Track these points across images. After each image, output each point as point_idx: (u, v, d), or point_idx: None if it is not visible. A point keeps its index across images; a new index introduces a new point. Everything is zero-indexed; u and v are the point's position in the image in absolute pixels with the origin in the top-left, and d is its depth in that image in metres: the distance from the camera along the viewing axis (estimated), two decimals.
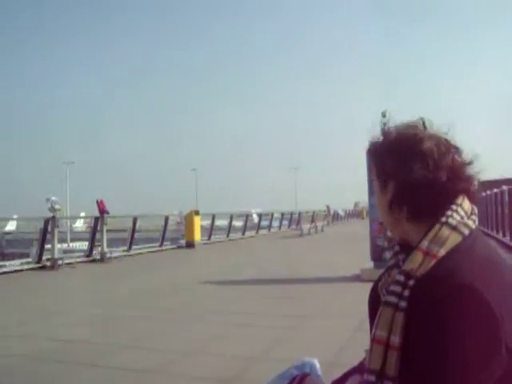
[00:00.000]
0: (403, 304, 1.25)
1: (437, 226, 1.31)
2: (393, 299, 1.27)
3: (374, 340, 1.28)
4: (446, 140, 1.38)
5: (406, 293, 1.26)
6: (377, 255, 10.28)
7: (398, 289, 1.28)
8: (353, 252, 14.90)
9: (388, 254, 9.85)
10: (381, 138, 1.44)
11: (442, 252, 1.27)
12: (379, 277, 1.48)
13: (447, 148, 1.36)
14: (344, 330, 5.93)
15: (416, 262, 1.28)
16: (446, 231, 1.30)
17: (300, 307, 7.67)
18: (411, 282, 1.26)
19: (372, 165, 1.46)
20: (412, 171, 1.32)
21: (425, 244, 1.29)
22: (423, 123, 1.42)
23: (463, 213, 1.33)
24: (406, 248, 1.38)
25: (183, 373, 4.70)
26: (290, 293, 9.00)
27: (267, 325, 6.56)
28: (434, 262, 1.26)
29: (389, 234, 10.38)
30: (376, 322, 1.29)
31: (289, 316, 7.03)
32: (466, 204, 1.35)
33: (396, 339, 1.24)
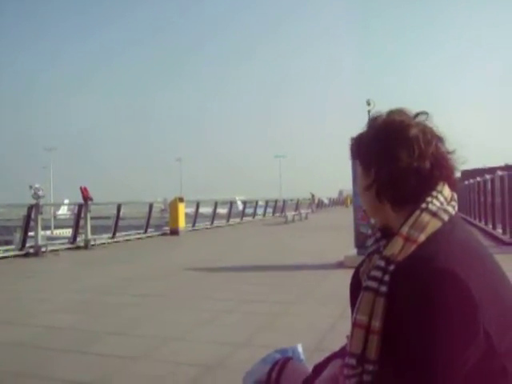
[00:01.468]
0: (384, 289, 1.27)
1: (417, 212, 1.33)
2: (373, 284, 1.29)
3: (354, 324, 1.30)
4: (430, 128, 1.40)
5: (387, 278, 1.28)
6: (360, 242, 10.33)
7: (378, 274, 1.30)
8: (336, 239, 14.99)
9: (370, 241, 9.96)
10: (367, 125, 1.46)
11: (422, 237, 1.30)
12: (360, 263, 1.50)
13: (432, 136, 1.38)
14: (327, 317, 5.97)
15: (396, 248, 1.30)
16: (426, 217, 1.32)
17: (284, 294, 7.71)
18: (391, 267, 1.28)
19: (357, 150, 1.48)
20: (398, 158, 1.33)
21: (405, 230, 1.31)
22: (409, 111, 1.43)
23: (443, 199, 1.36)
24: (388, 234, 1.40)
25: (168, 359, 4.72)
26: (274, 279, 9.04)
27: (251, 311, 6.59)
28: (414, 247, 1.29)
29: (372, 221, 10.42)
30: (357, 306, 1.31)
31: (273, 302, 7.07)
32: (446, 191, 1.38)
33: (377, 323, 1.26)
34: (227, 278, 9.35)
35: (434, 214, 1.32)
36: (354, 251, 10.41)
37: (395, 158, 1.34)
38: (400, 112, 1.43)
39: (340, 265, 9.96)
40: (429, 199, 1.34)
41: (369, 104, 9.99)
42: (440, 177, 1.37)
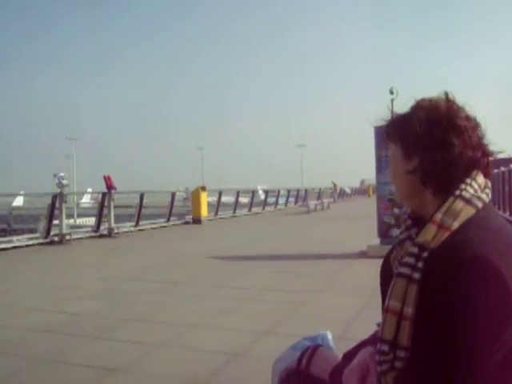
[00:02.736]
0: (417, 275, 1.27)
1: (450, 199, 1.32)
2: (406, 271, 1.29)
3: (387, 310, 1.30)
4: (473, 115, 1.39)
5: (420, 264, 1.27)
6: (383, 232, 10.29)
7: (411, 260, 1.29)
8: (359, 229, 14.92)
9: (395, 231, 9.91)
10: (411, 108, 1.44)
11: (456, 225, 1.29)
12: (390, 249, 1.49)
13: (475, 123, 1.37)
14: (351, 306, 5.97)
15: (429, 235, 1.29)
16: (459, 204, 1.31)
17: (307, 283, 7.71)
18: (425, 254, 1.28)
19: (398, 133, 1.45)
20: (449, 145, 1.32)
21: (438, 216, 1.30)
22: (447, 97, 1.41)
23: (477, 186, 1.35)
24: (419, 222, 1.39)
25: (192, 346, 4.75)
26: (296, 268, 9.03)
27: (274, 299, 6.60)
28: (447, 234, 1.28)
29: (396, 210, 10.38)
30: (389, 293, 1.31)
31: (296, 291, 7.07)
32: (479, 178, 1.37)
33: (409, 310, 1.26)
34: (249, 267, 9.37)
35: (468, 201, 1.32)
36: (376, 241, 10.36)
37: (447, 144, 1.33)
38: (443, 97, 1.41)
39: (362, 254, 9.92)
40: (462, 186, 1.33)
41: (392, 93, 9.91)
42: (477, 165, 1.36)
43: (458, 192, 1.32)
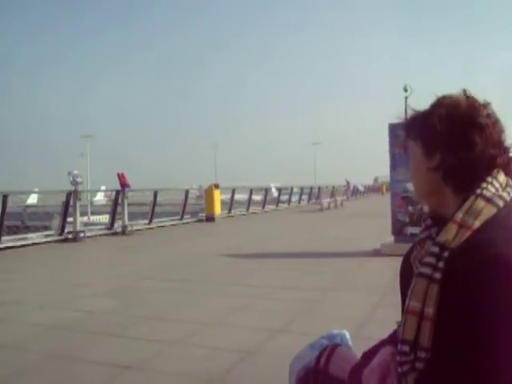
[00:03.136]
0: (437, 275, 1.25)
1: (471, 198, 1.30)
2: (427, 270, 1.27)
3: (407, 311, 1.28)
4: (494, 112, 1.37)
5: (441, 264, 1.25)
6: (398, 230, 10.24)
7: (432, 260, 1.27)
8: (372, 227, 14.88)
9: (409, 229, 9.86)
10: (432, 105, 1.42)
11: (477, 224, 1.27)
12: (410, 249, 1.47)
13: (496, 121, 1.35)
14: (364, 304, 5.95)
15: (450, 234, 1.27)
16: (480, 203, 1.29)
17: (320, 281, 7.69)
18: (446, 254, 1.26)
19: (419, 130, 1.43)
20: (472, 143, 1.31)
21: (459, 216, 1.29)
22: (467, 94, 1.40)
23: (498, 185, 1.33)
24: (439, 221, 1.38)
25: (205, 344, 4.75)
26: (309, 266, 9.01)
27: (287, 297, 6.59)
28: (468, 233, 1.26)
29: (409, 208, 10.34)
30: (410, 293, 1.29)
31: (309, 289, 7.05)
32: (500, 177, 1.35)
33: (430, 310, 1.24)
34: (262, 265, 9.36)
35: (489, 200, 1.30)
36: (390, 239, 10.31)
37: (469, 142, 1.31)
38: (464, 95, 1.39)
39: (376, 252, 9.88)
40: (483, 185, 1.32)
41: (406, 90, 9.91)
42: (498, 163, 1.34)
43: (479, 191, 1.30)
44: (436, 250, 1.28)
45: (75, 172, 14.30)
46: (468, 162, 1.31)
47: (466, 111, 1.34)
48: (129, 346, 4.73)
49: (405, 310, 1.29)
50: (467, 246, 1.24)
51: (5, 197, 12.70)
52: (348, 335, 1.67)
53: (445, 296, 1.23)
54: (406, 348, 1.27)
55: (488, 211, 1.28)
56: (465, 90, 1.40)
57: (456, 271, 1.21)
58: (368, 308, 5.74)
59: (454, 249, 1.25)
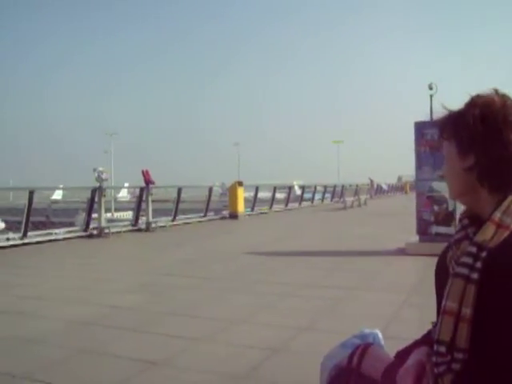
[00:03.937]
0: (475, 276, 1.24)
1: (509, 198, 1.29)
2: (464, 271, 1.26)
3: (444, 311, 1.27)
4: None
5: (478, 264, 1.24)
6: (423, 229, 10.14)
7: (469, 260, 1.26)
8: (396, 226, 14.79)
9: (434, 229, 9.77)
10: (466, 104, 1.40)
11: None
12: (445, 249, 1.46)
13: None
14: (390, 303, 5.91)
15: (488, 234, 1.26)
16: None
17: (344, 279, 7.66)
18: (483, 254, 1.24)
19: (454, 130, 1.41)
20: (504, 144, 1.29)
21: (497, 216, 1.27)
22: (500, 93, 1.38)
23: None
24: (475, 221, 1.36)
25: (230, 341, 4.76)
26: (333, 265, 8.97)
27: (312, 295, 6.57)
28: (506, 233, 1.25)
29: (435, 208, 10.25)
30: (446, 293, 1.28)
31: (334, 287, 7.03)
32: None
33: (467, 311, 1.23)
34: (287, 263, 9.35)
35: None
36: (415, 238, 10.22)
37: (503, 141, 1.29)
38: (496, 94, 1.37)
39: (401, 251, 9.80)
40: None
41: (431, 88, 9.83)
42: None
43: None
44: (473, 249, 1.27)
45: (100, 169, 14.41)
46: (503, 162, 1.29)
47: (500, 110, 1.32)
48: (154, 342, 4.76)
49: (441, 311, 1.28)
50: (505, 245, 1.23)
51: (31, 193, 12.86)
52: (380, 335, 1.65)
53: (482, 296, 1.21)
54: (443, 349, 1.26)
55: None
56: (496, 90, 1.38)
57: (494, 271, 1.20)
58: (394, 307, 5.69)
59: (492, 249, 1.24)
